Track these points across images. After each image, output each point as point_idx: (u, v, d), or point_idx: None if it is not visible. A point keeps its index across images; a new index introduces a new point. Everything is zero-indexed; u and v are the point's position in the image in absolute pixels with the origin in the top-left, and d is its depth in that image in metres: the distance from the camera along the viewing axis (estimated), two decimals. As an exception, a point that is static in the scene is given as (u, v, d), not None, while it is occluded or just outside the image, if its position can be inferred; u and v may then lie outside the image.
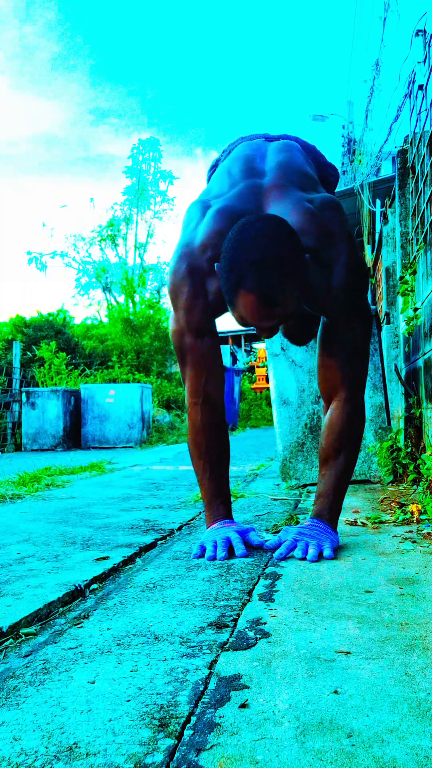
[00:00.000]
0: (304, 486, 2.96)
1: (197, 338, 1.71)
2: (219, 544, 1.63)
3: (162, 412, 9.53)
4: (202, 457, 1.78)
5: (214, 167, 2.10)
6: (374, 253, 5.92)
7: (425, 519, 2.01)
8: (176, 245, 1.73)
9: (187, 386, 1.76)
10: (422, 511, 2.06)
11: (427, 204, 2.79)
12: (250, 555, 1.63)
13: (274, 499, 2.64)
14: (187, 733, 0.76)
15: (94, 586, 1.42)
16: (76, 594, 1.36)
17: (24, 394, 7.69)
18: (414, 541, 1.74)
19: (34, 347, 11.59)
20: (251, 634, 1.08)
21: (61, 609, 1.27)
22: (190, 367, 1.74)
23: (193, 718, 0.79)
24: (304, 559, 1.57)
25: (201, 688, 0.88)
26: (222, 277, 1.47)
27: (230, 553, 1.63)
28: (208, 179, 2.11)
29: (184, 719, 0.79)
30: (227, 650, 1.01)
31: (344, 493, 1.73)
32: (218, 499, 1.77)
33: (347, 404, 1.70)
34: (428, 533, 1.82)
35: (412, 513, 2.06)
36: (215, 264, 1.61)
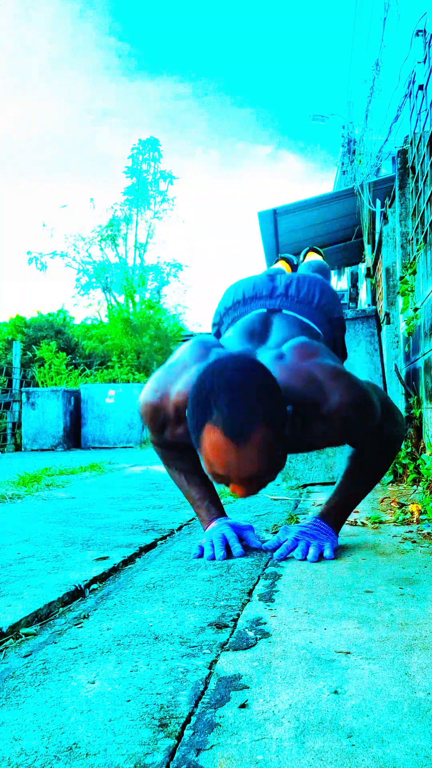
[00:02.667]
0: (304, 486, 2.96)
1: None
2: (216, 544, 1.64)
3: (162, 412, 9.51)
4: (176, 470, 1.81)
5: (216, 324, 2.03)
6: (374, 253, 5.92)
7: (425, 519, 2.01)
8: (162, 369, 1.63)
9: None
10: (422, 511, 2.06)
11: (427, 204, 2.79)
12: (249, 555, 1.64)
13: (274, 499, 2.64)
14: (187, 733, 0.76)
15: (94, 586, 1.42)
16: (76, 594, 1.36)
17: (24, 394, 7.69)
18: (414, 541, 1.74)
19: (34, 347, 11.59)
20: (251, 634, 1.08)
21: (61, 609, 1.27)
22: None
23: (193, 718, 0.79)
24: (304, 559, 1.57)
25: (201, 688, 0.88)
26: (189, 417, 1.30)
27: (229, 552, 1.64)
28: (213, 333, 2.05)
29: (184, 719, 0.79)
30: (227, 650, 1.01)
31: (355, 506, 1.73)
32: (206, 500, 1.78)
33: (385, 448, 1.68)
34: (428, 533, 1.82)
35: (412, 513, 2.06)
36: (180, 409, 1.52)
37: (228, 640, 1.06)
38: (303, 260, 3.01)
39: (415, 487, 2.67)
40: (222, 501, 1.85)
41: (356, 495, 1.70)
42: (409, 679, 0.89)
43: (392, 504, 2.31)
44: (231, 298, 1.94)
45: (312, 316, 1.83)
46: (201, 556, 1.64)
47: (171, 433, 1.59)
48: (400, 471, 2.95)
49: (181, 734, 0.75)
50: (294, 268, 2.97)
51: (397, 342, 3.96)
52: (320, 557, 1.58)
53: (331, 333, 1.87)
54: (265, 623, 1.13)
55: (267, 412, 1.23)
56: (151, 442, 1.79)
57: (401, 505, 2.22)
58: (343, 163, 13.06)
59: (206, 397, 1.24)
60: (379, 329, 3.35)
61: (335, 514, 1.68)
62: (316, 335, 1.76)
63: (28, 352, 11.48)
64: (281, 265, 2.92)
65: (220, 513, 1.78)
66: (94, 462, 4.74)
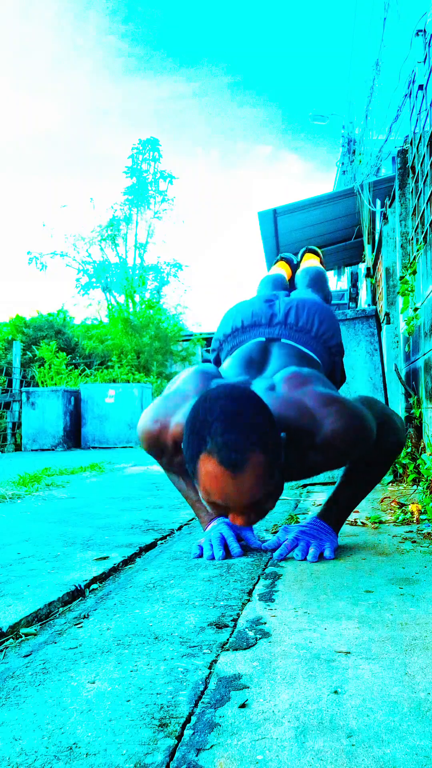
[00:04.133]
0: (304, 486, 2.96)
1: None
2: (215, 544, 1.64)
3: (162, 412, 9.51)
4: (174, 473, 1.80)
5: (216, 350, 2.03)
6: (374, 253, 5.92)
7: (425, 519, 2.01)
8: (162, 398, 1.61)
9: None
10: (422, 511, 2.06)
11: (427, 204, 2.79)
12: (248, 554, 1.64)
13: (274, 499, 2.64)
14: (187, 733, 0.76)
15: (94, 586, 1.42)
16: (76, 594, 1.36)
17: (24, 394, 7.69)
18: (414, 541, 1.74)
19: (34, 347, 11.60)
20: (251, 634, 1.08)
21: (61, 609, 1.27)
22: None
23: (193, 718, 0.79)
24: (304, 559, 1.57)
25: (201, 688, 0.88)
26: (185, 448, 1.30)
27: (228, 552, 1.64)
28: (213, 360, 2.05)
29: (184, 719, 0.79)
30: (227, 650, 1.01)
31: (355, 506, 1.72)
32: None
33: (385, 456, 1.67)
34: (428, 533, 1.82)
35: (412, 513, 2.06)
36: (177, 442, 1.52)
37: (228, 640, 1.06)
38: (300, 261, 3.01)
39: (415, 487, 2.67)
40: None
41: (355, 496, 1.70)
42: (409, 679, 0.89)
43: (392, 504, 2.30)
44: (230, 326, 1.95)
45: (310, 345, 1.84)
46: (201, 556, 1.64)
47: (168, 461, 1.60)
48: (400, 471, 2.95)
49: (181, 734, 0.75)
50: (293, 268, 2.97)
51: (397, 342, 3.96)
52: (320, 557, 1.58)
53: (330, 360, 1.88)
54: (265, 623, 1.13)
55: (261, 440, 1.23)
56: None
57: (401, 505, 2.22)
58: (343, 163, 13.06)
59: (200, 428, 1.24)
60: (379, 329, 3.35)
61: (335, 514, 1.68)
62: (314, 364, 1.77)
63: (28, 352, 11.48)
64: (280, 268, 2.92)
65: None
66: (94, 462, 4.74)
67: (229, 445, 1.21)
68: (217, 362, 2.00)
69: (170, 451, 1.55)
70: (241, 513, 1.29)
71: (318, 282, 2.61)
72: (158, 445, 1.56)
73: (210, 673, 0.93)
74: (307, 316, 1.89)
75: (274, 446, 1.27)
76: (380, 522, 2.03)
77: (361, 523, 2.02)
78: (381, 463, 1.68)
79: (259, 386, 1.51)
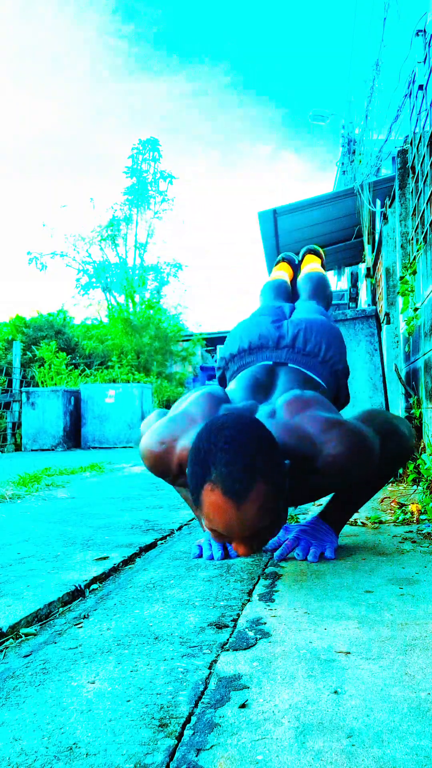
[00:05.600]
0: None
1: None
2: (214, 544, 1.64)
3: (162, 412, 9.52)
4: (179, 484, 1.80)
5: (221, 368, 2.06)
6: (374, 253, 5.92)
7: (425, 519, 2.01)
8: (168, 419, 1.58)
9: None
10: (422, 511, 2.06)
11: (427, 204, 2.79)
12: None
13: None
14: (187, 733, 0.76)
15: (94, 586, 1.42)
16: (76, 594, 1.36)
17: (24, 394, 7.70)
18: (414, 541, 1.74)
19: (34, 347, 11.60)
20: (251, 634, 1.08)
21: (61, 609, 1.27)
22: None
23: (193, 718, 0.79)
24: (304, 559, 1.57)
25: (201, 688, 0.88)
26: (189, 477, 1.30)
27: (228, 552, 1.64)
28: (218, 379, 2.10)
29: (184, 719, 0.79)
30: (227, 650, 1.01)
31: (356, 510, 1.72)
32: None
33: (390, 465, 1.65)
34: (428, 533, 1.82)
35: (412, 513, 2.06)
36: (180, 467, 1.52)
37: (228, 640, 1.06)
38: (302, 261, 3.00)
39: (415, 487, 2.67)
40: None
41: (358, 499, 1.70)
42: (409, 679, 0.89)
43: (392, 504, 2.31)
44: (236, 346, 1.97)
45: (317, 370, 1.86)
46: (200, 556, 1.64)
47: (171, 481, 1.60)
48: (400, 471, 2.95)
49: (181, 734, 0.75)
50: (295, 268, 2.97)
51: (397, 342, 3.96)
52: (320, 557, 1.58)
53: (335, 384, 1.91)
54: (265, 623, 1.13)
55: (265, 469, 1.23)
56: None
57: (401, 505, 2.22)
58: (343, 163, 13.05)
59: (205, 457, 1.24)
60: (379, 329, 3.35)
61: (336, 515, 1.68)
62: (320, 389, 1.78)
63: (28, 352, 11.48)
64: (282, 271, 2.92)
65: None
66: (94, 462, 4.74)
67: (233, 475, 1.20)
68: (222, 380, 2.03)
69: (174, 473, 1.54)
70: (244, 543, 1.28)
71: (320, 290, 2.63)
72: (163, 466, 1.55)
73: (210, 673, 0.93)
74: (315, 341, 1.91)
75: (278, 476, 1.26)
76: (380, 522, 2.03)
77: (361, 523, 2.02)
78: (385, 469, 1.67)
79: (262, 412, 1.52)
